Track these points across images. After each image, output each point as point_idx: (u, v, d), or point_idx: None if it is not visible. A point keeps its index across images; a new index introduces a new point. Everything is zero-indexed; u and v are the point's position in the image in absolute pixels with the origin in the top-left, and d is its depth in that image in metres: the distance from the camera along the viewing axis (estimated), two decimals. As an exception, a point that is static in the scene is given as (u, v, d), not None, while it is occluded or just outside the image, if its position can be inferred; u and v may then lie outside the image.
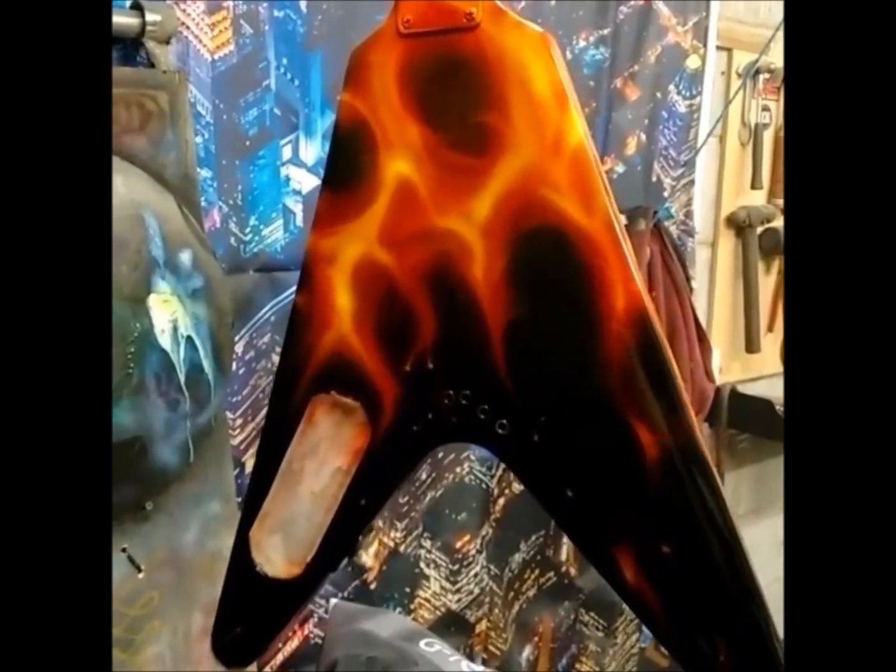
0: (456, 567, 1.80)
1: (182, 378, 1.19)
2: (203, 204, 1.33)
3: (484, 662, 1.85)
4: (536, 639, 2.02)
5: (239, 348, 1.44)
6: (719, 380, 2.18)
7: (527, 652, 2.00)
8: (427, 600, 1.78)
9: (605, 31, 1.86)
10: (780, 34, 2.13)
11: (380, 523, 1.66)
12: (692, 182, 2.11)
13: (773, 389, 2.46)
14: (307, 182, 1.49)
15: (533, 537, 1.96)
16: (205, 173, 1.36)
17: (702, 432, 1.98)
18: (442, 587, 1.79)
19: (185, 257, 1.20)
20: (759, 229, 2.30)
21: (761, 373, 2.45)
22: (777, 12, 2.18)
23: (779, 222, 2.34)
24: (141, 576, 1.22)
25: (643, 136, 1.99)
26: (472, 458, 1.78)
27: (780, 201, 2.32)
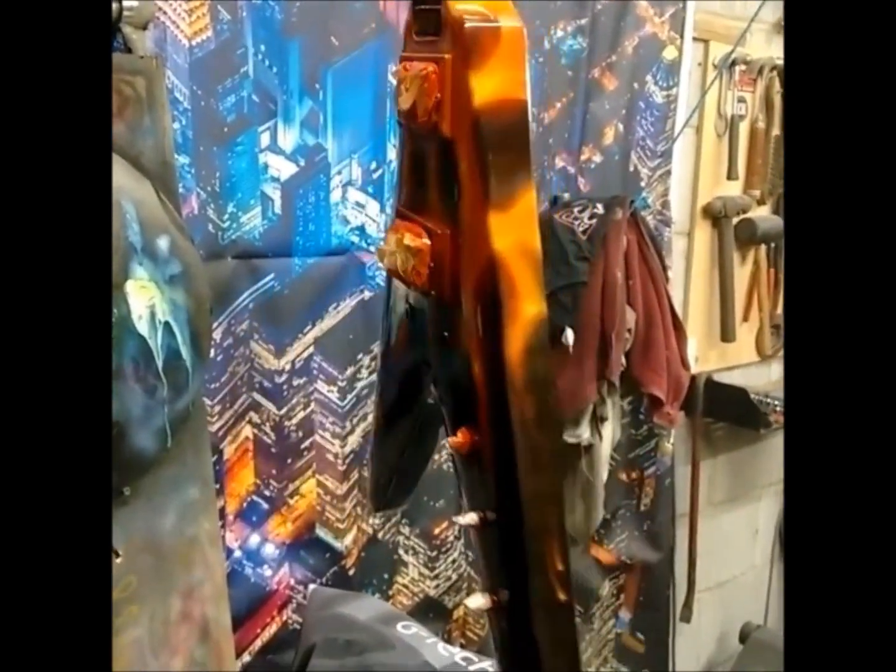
0: (434, 553, 1.81)
1: (160, 364, 1.19)
2: (181, 190, 1.33)
3: (462, 648, 1.87)
4: (514, 625, 2.04)
5: (217, 335, 1.45)
6: (695, 368, 2.20)
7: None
8: (405, 586, 1.79)
9: (583, 22, 1.88)
10: (755, 26, 2.16)
11: (358, 510, 1.67)
12: (669, 172, 2.12)
13: (748, 378, 2.49)
14: (285, 169, 1.50)
15: (510, 524, 1.97)
16: (182, 160, 1.36)
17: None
18: (420, 573, 1.81)
19: (163, 243, 1.20)
20: (735, 220, 2.33)
21: (737, 362, 2.48)
22: (752, 5, 2.20)
23: (754, 213, 2.37)
24: (119, 560, 1.22)
25: (620, 127, 2.00)
26: (450, 445, 1.79)
27: (756, 192, 2.35)
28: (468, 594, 1.88)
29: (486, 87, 0.62)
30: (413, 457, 0.84)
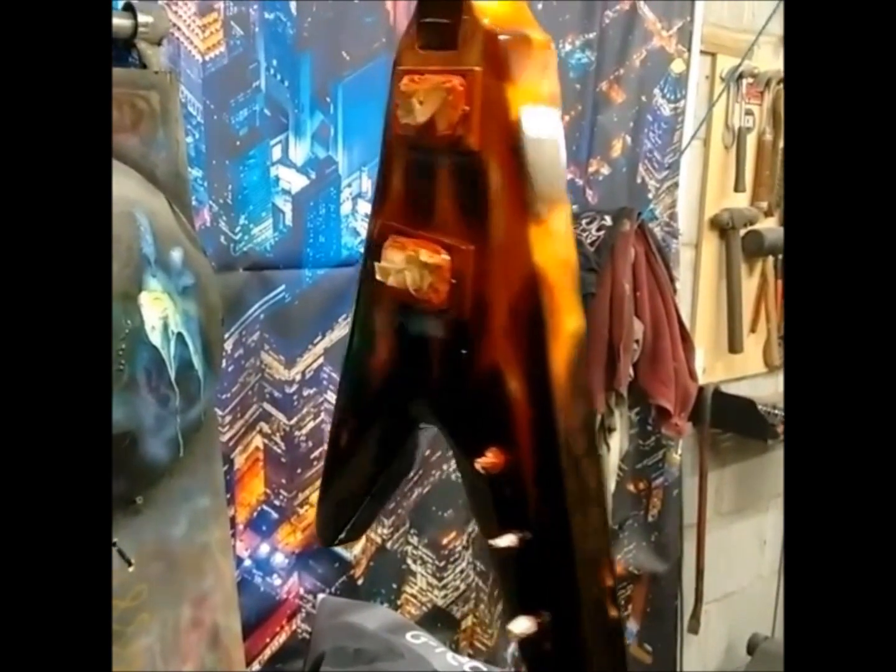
0: (442, 563, 1.82)
1: (172, 374, 1.20)
2: (194, 203, 1.35)
3: (470, 658, 1.87)
4: (522, 635, 2.04)
5: (228, 346, 1.46)
6: (702, 379, 2.20)
7: (512, 648, 2.02)
8: (414, 596, 1.80)
9: (591, 35, 1.89)
10: (763, 39, 2.17)
11: (367, 519, 1.68)
12: (676, 184, 2.13)
13: (755, 389, 2.49)
14: (296, 182, 1.51)
15: (518, 534, 1.97)
16: (195, 173, 1.38)
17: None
18: (428, 583, 1.81)
19: (176, 255, 1.21)
20: (742, 231, 2.33)
21: (744, 373, 2.48)
22: (760, 18, 2.21)
23: (762, 224, 2.37)
24: (131, 569, 1.23)
25: (628, 139, 2.01)
26: (459, 455, 1.80)
27: (763, 204, 2.35)
28: (476, 604, 1.89)
29: (521, 99, 0.61)
30: (385, 484, 0.82)
